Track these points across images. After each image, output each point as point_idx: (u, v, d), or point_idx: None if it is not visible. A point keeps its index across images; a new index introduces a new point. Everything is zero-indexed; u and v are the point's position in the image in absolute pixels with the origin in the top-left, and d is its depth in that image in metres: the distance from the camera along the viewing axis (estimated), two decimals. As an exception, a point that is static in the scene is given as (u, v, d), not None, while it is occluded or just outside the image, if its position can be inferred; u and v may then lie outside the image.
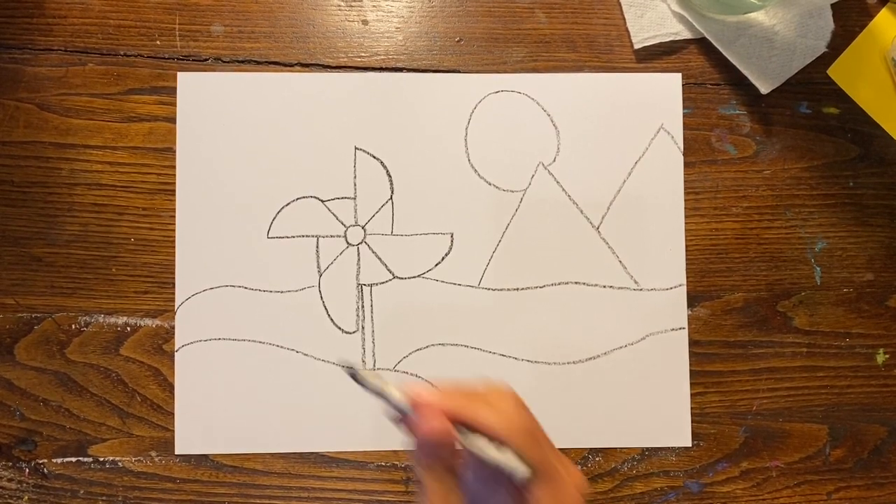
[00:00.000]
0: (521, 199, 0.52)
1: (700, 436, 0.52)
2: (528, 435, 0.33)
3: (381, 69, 0.52)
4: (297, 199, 0.52)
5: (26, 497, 0.51)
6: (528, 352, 0.52)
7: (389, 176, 0.52)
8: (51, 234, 0.51)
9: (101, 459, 0.51)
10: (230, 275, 0.51)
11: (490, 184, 0.52)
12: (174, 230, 0.51)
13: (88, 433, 0.51)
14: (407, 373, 0.51)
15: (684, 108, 0.53)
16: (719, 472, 0.52)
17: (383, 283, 0.52)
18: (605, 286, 0.52)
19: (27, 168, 0.51)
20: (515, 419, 0.33)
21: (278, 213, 0.52)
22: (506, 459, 0.32)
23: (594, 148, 0.52)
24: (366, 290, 0.51)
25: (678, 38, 0.53)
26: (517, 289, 0.52)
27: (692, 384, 0.52)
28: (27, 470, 0.51)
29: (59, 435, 0.51)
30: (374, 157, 0.52)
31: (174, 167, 0.51)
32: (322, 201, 0.51)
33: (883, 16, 0.53)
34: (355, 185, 0.52)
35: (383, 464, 0.51)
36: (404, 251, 0.52)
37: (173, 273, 0.51)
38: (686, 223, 0.52)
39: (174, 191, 0.51)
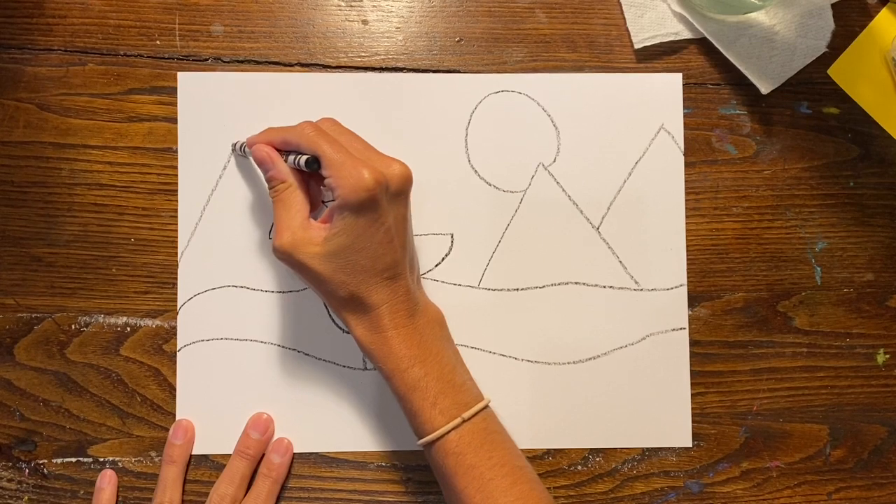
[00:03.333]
0: (522, 199, 0.52)
1: (700, 436, 0.52)
2: (315, 139, 0.44)
3: (381, 69, 0.52)
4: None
5: (26, 497, 0.51)
6: (529, 352, 0.52)
7: (390, 176, 0.52)
8: (51, 234, 0.51)
9: (101, 459, 0.51)
10: (233, 275, 0.51)
11: (490, 184, 0.52)
12: (174, 230, 0.51)
13: (88, 433, 0.51)
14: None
15: (684, 108, 0.53)
16: (719, 473, 0.52)
17: (383, 283, 0.52)
18: (605, 286, 0.52)
19: (27, 168, 0.51)
20: (306, 130, 0.44)
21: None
22: (301, 158, 0.44)
23: (595, 148, 0.52)
24: (366, 290, 0.51)
25: (678, 38, 0.53)
26: (517, 289, 0.52)
27: (692, 384, 0.52)
28: (27, 470, 0.51)
29: (59, 435, 0.51)
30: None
31: (174, 167, 0.51)
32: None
33: (883, 16, 0.53)
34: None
35: (383, 464, 0.51)
36: (404, 251, 0.52)
37: (173, 273, 0.51)
38: (686, 223, 0.52)
39: (174, 191, 0.51)
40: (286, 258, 0.44)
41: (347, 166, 0.42)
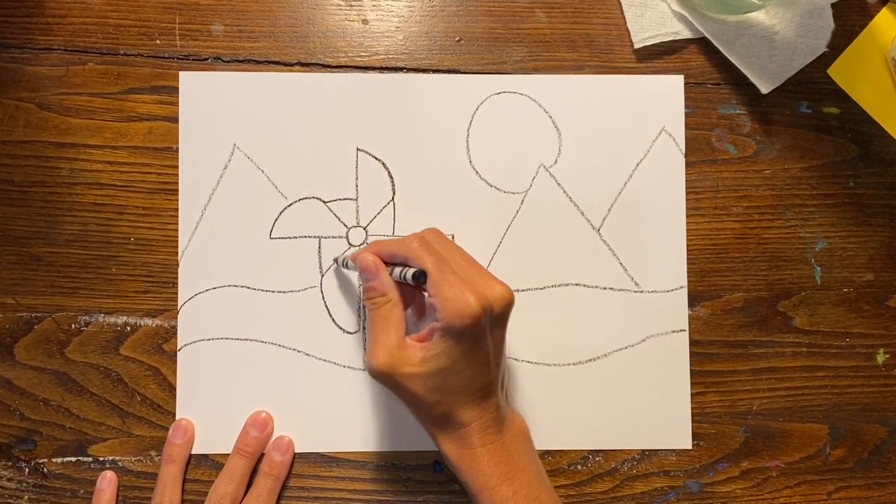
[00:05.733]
0: (522, 200, 0.52)
1: (700, 436, 0.52)
2: (421, 254, 0.43)
3: (381, 69, 0.52)
4: (300, 199, 0.51)
5: (26, 497, 0.51)
6: (529, 353, 0.52)
7: (391, 177, 0.52)
8: (51, 233, 0.51)
9: (101, 459, 0.51)
10: (233, 275, 0.51)
11: (491, 185, 0.52)
12: (174, 230, 0.51)
13: (88, 433, 0.51)
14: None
15: (684, 107, 0.53)
16: (719, 472, 0.52)
17: (384, 283, 0.52)
18: (605, 288, 0.52)
19: (27, 168, 0.51)
20: (413, 244, 0.43)
21: (280, 213, 0.52)
22: (408, 272, 0.43)
23: (596, 150, 0.52)
24: (366, 290, 0.51)
25: (678, 37, 0.53)
26: (518, 290, 0.52)
27: (692, 384, 0.52)
28: (27, 470, 0.51)
29: (59, 435, 0.51)
30: (376, 159, 0.52)
31: (174, 166, 0.51)
32: (324, 202, 0.51)
33: (883, 16, 0.53)
34: (357, 186, 0.52)
35: (383, 464, 0.52)
36: (405, 251, 0.52)
37: (173, 273, 0.51)
38: (686, 223, 0.52)
39: (174, 190, 0.51)
40: (382, 378, 0.43)
41: (454, 289, 0.41)
